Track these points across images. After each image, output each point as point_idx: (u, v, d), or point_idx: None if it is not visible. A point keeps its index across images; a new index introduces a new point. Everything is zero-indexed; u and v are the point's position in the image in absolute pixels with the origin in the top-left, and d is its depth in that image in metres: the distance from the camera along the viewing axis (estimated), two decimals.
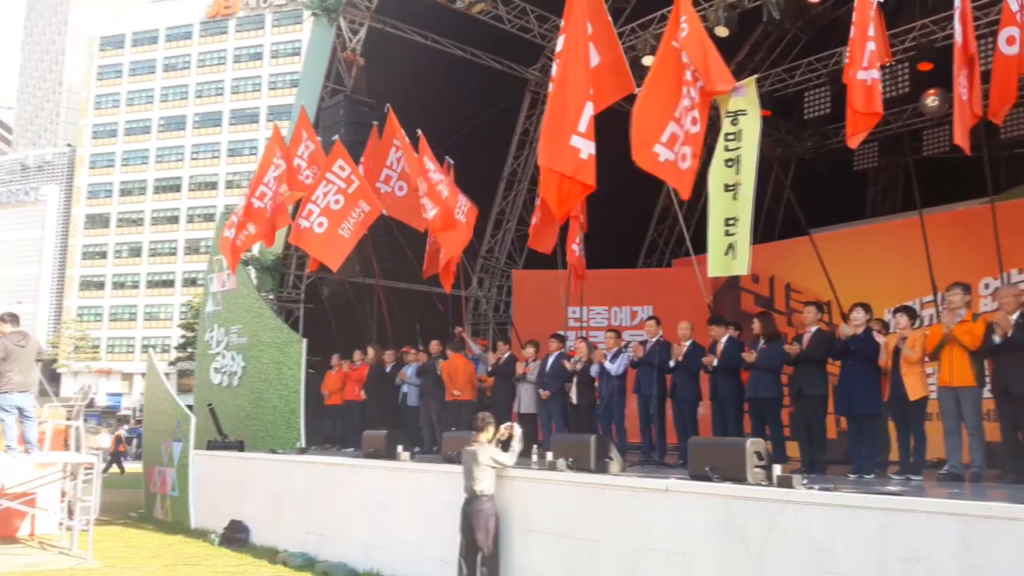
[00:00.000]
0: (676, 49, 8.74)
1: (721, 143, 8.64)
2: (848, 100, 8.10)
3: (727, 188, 8.52)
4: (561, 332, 11.95)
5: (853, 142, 8.23)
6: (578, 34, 9.07)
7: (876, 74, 7.96)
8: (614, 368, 10.55)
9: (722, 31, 13.39)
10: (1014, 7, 7.70)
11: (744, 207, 8.36)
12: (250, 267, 15.85)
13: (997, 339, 7.51)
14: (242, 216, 13.76)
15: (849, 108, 8.11)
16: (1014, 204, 12.36)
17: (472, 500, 7.89)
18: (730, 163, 8.54)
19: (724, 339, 9.79)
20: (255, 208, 13.61)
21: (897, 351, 8.27)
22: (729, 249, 8.42)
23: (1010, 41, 7.75)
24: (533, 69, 16.99)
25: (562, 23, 9.31)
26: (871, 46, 7.97)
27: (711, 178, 8.67)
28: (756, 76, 9.34)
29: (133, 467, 25.20)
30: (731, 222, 8.43)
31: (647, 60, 14.55)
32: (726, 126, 8.63)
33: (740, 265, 8.41)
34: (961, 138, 7.66)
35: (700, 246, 13.13)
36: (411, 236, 13.48)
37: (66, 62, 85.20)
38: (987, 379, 8.01)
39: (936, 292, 8.64)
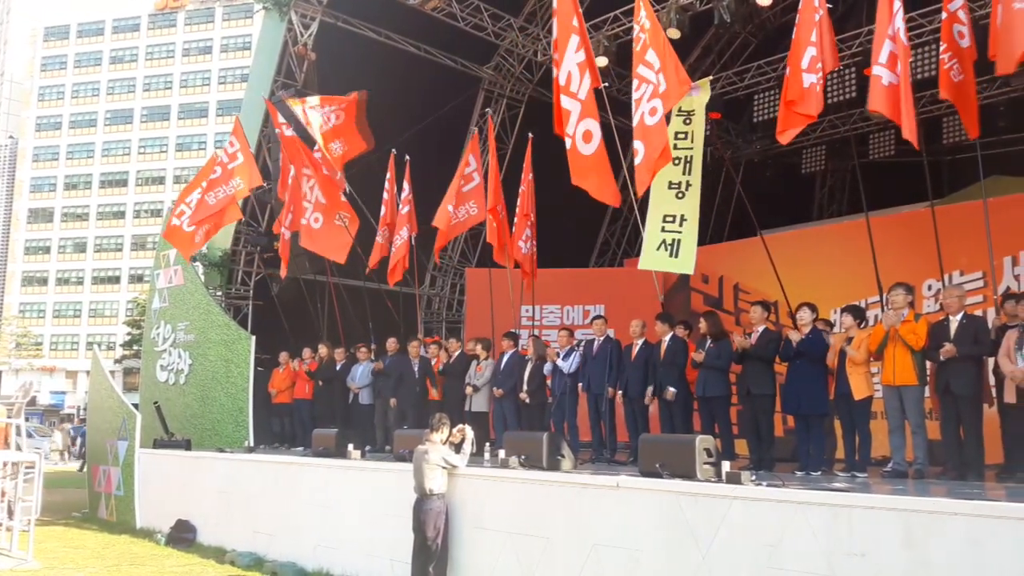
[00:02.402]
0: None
1: (671, 140, 8.73)
2: (782, 96, 8.29)
3: (671, 186, 8.63)
4: (514, 331, 11.97)
5: (784, 138, 8.41)
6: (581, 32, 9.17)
7: (815, 78, 8.12)
8: (566, 366, 10.60)
9: (674, 33, 13.52)
10: (964, 43, 7.97)
11: (692, 206, 8.48)
12: (197, 263, 15.65)
13: (942, 357, 7.67)
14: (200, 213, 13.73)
15: (782, 104, 8.31)
16: (956, 207, 12.65)
17: (423, 499, 7.88)
18: (677, 161, 8.64)
19: (667, 338, 9.87)
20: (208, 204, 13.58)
21: (843, 351, 8.40)
22: (662, 245, 8.53)
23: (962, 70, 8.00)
24: (487, 67, 16.99)
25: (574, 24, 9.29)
26: (811, 51, 8.14)
27: (656, 175, 8.76)
28: (711, 77, 9.47)
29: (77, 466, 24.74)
30: (670, 219, 8.55)
31: (601, 61, 14.63)
32: (677, 124, 8.74)
33: (685, 264, 8.53)
34: (910, 132, 7.79)
35: None
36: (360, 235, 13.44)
37: (8, 52, 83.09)
38: (929, 378, 8.19)
39: (881, 292, 8.80)
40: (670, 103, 8.62)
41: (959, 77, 7.92)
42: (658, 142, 8.51)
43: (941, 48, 8.12)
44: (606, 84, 9.40)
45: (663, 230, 8.58)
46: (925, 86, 13.66)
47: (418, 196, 13.31)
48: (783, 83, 8.36)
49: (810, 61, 8.15)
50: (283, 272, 13.96)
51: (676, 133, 8.75)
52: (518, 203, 11.79)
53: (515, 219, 11.74)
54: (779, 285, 9.36)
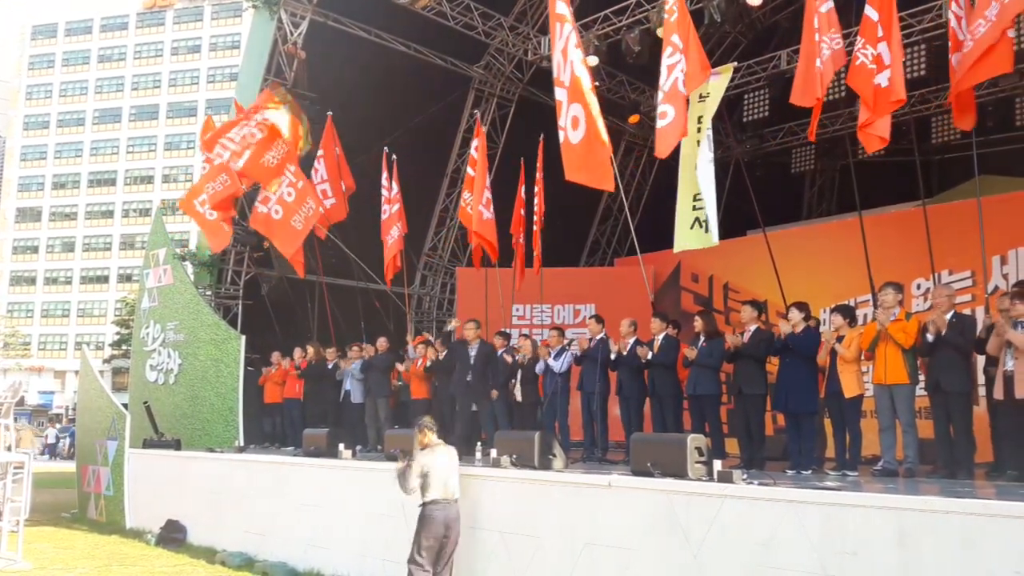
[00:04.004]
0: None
1: (693, 124, 8.85)
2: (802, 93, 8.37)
3: (696, 166, 8.74)
4: (505, 330, 11.97)
5: (812, 135, 8.63)
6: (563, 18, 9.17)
7: (819, 64, 8.20)
8: (558, 365, 10.61)
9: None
10: (960, 35, 7.96)
11: (708, 183, 8.61)
12: (187, 262, 15.61)
13: (930, 337, 7.73)
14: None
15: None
16: (945, 207, 12.72)
17: (449, 504, 7.41)
18: (699, 143, 8.77)
19: (661, 336, 9.89)
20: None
21: (834, 349, 8.43)
22: (696, 223, 8.62)
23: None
24: (477, 67, 16.98)
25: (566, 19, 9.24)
26: (816, 37, 8.30)
27: (683, 157, 8.85)
28: (734, 64, 9.53)
29: (66, 466, 24.62)
30: (699, 197, 8.64)
31: (591, 60, 14.64)
32: (698, 108, 8.86)
33: (711, 237, 8.62)
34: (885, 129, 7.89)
35: (646, 244, 13.39)
36: (350, 234, 13.43)
37: None
38: (920, 377, 8.22)
39: (874, 291, 8.85)
40: (692, 86, 8.65)
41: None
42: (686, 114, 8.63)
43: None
44: (595, 83, 9.41)
45: (695, 208, 8.68)
46: (913, 86, 13.70)
47: (409, 195, 13.29)
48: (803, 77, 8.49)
49: (815, 47, 8.29)
50: (300, 272, 13.71)
51: (697, 117, 8.87)
52: (536, 203, 11.84)
53: (534, 218, 11.84)
54: (777, 283, 9.45)
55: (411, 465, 7.46)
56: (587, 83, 8.80)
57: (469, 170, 12.25)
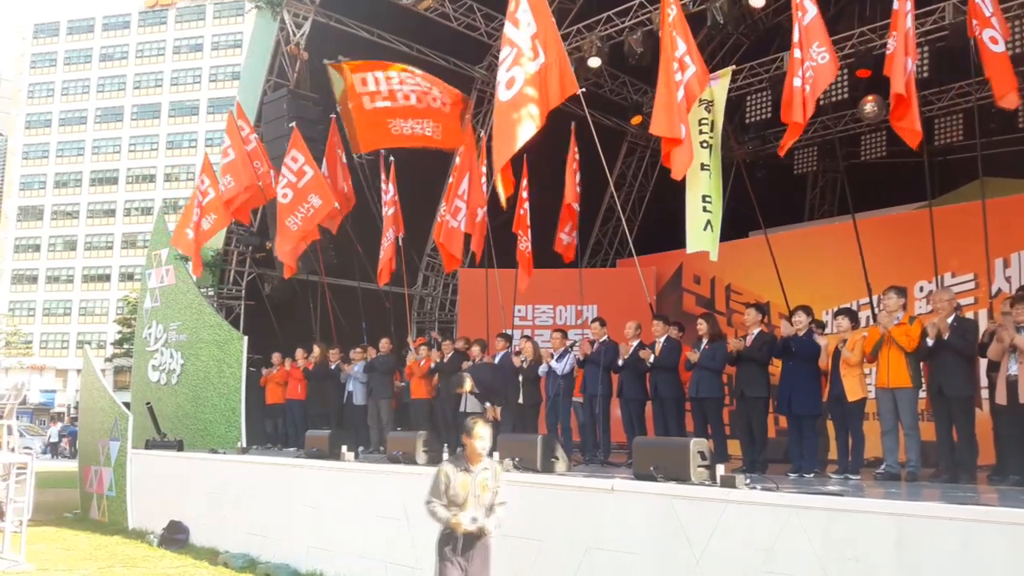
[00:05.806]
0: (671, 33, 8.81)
1: (696, 127, 8.86)
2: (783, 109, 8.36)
3: (703, 167, 8.73)
4: (507, 331, 11.97)
5: (782, 150, 8.52)
6: (547, 30, 9.05)
7: (798, 82, 8.13)
8: (560, 368, 10.61)
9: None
10: (987, 11, 7.93)
11: (717, 189, 8.61)
12: (189, 263, 15.61)
13: (929, 341, 7.72)
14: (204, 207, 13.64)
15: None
16: (947, 209, 12.71)
17: None
18: (704, 144, 8.76)
19: (663, 338, 9.89)
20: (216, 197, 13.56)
21: (837, 352, 8.43)
22: (707, 225, 8.59)
23: (993, 40, 7.99)
24: (480, 67, 16.98)
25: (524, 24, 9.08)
26: (796, 54, 8.19)
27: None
28: (733, 67, 9.49)
29: (68, 465, 24.66)
30: (708, 199, 8.64)
31: (593, 62, 14.66)
32: (700, 112, 8.87)
33: (712, 250, 8.62)
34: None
35: (643, 247, 13.38)
36: (352, 235, 13.45)
37: None
38: (923, 380, 8.22)
39: (871, 294, 8.84)
40: (695, 94, 8.63)
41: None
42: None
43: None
44: (595, 87, 9.38)
45: (704, 210, 8.67)
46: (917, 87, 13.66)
47: (413, 197, 13.28)
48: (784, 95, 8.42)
49: (793, 66, 8.22)
50: (287, 272, 13.69)
51: (700, 120, 8.86)
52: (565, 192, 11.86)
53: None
54: (778, 286, 9.43)
55: None
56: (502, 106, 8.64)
57: (451, 178, 12.21)
